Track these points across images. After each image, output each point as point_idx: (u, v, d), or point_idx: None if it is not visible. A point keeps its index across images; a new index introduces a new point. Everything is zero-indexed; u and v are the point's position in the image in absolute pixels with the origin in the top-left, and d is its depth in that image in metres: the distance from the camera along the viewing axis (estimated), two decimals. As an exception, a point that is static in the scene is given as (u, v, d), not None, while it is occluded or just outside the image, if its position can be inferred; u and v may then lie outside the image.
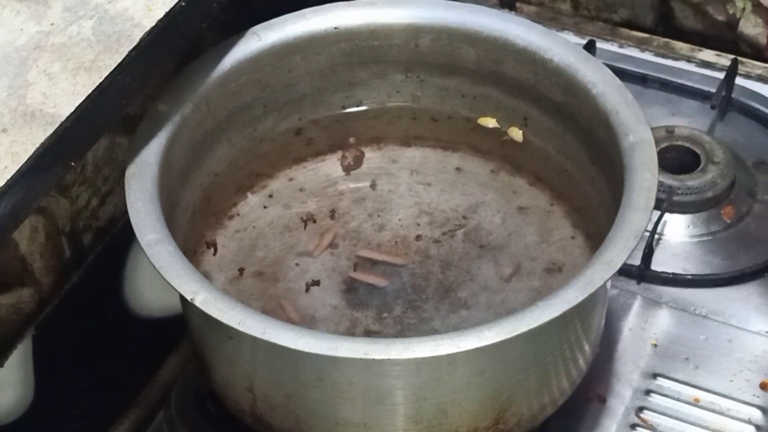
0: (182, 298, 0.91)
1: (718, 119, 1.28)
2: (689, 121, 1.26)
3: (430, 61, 1.10)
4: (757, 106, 1.29)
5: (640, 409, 1.06)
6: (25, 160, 0.81)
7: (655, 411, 1.06)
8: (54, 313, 1.04)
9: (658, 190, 0.95)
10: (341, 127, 1.12)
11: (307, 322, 0.99)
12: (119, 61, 0.88)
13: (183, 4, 0.92)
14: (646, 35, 1.37)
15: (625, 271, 1.13)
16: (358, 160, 1.10)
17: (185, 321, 1.00)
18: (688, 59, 1.34)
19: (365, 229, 1.06)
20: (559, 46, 1.05)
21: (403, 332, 0.98)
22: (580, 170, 1.06)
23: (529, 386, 0.94)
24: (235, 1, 1.01)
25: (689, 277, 1.15)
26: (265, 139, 1.10)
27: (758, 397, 1.06)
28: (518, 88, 1.08)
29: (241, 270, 1.03)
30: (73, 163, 0.86)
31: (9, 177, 0.80)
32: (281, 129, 1.11)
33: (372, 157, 1.11)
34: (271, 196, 1.08)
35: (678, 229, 1.18)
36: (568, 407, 1.00)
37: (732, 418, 1.05)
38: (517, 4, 1.39)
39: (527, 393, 0.95)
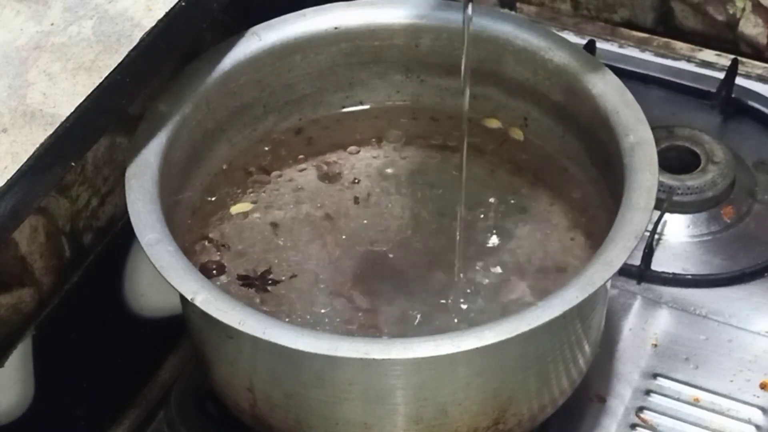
0: (182, 298, 0.91)
1: (718, 119, 1.28)
2: (689, 121, 1.26)
3: (430, 61, 1.10)
4: (757, 106, 1.29)
5: (640, 409, 1.06)
6: (25, 160, 0.81)
7: (655, 411, 1.06)
8: (54, 313, 1.04)
9: (658, 190, 0.95)
10: (341, 127, 1.12)
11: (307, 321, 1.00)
12: (119, 61, 0.88)
13: (183, 4, 0.92)
14: (646, 35, 1.37)
15: (625, 271, 1.13)
16: (333, 172, 1.10)
17: (185, 321, 1.00)
18: (688, 59, 1.34)
19: (365, 229, 1.06)
20: (559, 46, 1.05)
21: (403, 332, 0.98)
22: (581, 170, 1.06)
23: (529, 386, 0.94)
24: (235, 1, 1.01)
25: (689, 277, 1.15)
26: (265, 139, 1.10)
27: (758, 397, 1.06)
28: (518, 88, 1.08)
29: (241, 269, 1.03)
30: (73, 163, 0.86)
31: (9, 177, 0.80)
32: (281, 129, 1.11)
33: (372, 157, 1.11)
34: (271, 196, 1.08)
35: (678, 229, 1.18)
36: (568, 407, 1.00)
37: (732, 418, 1.05)
38: (517, 4, 1.39)
39: (527, 393, 0.95)
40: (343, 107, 1.13)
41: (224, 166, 1.08)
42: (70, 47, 0.89)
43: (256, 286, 1.01)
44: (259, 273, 1.01)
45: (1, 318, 1.00)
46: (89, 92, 0.86)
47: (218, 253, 1.03)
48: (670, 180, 1.18)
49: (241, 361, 0.94)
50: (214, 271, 1.01)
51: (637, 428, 1.05)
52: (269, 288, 1.00)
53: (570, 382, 0.98)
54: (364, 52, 1.10)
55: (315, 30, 1.08)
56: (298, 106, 1.11)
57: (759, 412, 1.05)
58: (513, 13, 1.36)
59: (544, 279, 1.01)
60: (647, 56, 1.34)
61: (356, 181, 1.09)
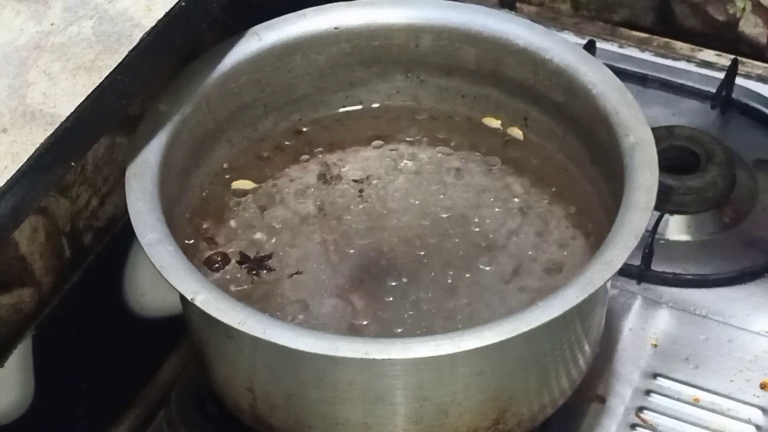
0: (182, 298, 0.91)
1: (718, 119, 1.28)
2: (689, 121, 1.26)
3: (430, 61, 1.10)
4: (757, 106, 1.29)
5: (640, 409, 1.06)
6: (25, 160, 0.81)
7: (655, 411, 1.06)
8: (54, 313, 1.04)
9: (658, 190, 0.95)
10: (341, 127, 1.12)
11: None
12: (119, 61, 0.88)
13: (183, 4, 0.92)
14: (646, 35, 1.37)
15: (625, 271, 1.13)
16: (333, 172, 1.10)
17: (185, 321, 1.00)
18: (688, 59, 1.34)
19: (365, 229, 1.06)
20: (559, 46, 1.05)
21: (403, 332, 0.98)
22: (581, 170, 1.06)
23: (529, 386, 0.94)
24: (235, 1, 1.01)
25: (689, 277, 1.15)
26: (265, 139, 1.10)
27: (758, 397, 1.06)
28: (518, 88, 1.08)
29: (241, 269, 1.03)
30: (73, 163, 0.86)
31: (9, 177, 0.80)
32: (281, 129, 1.11)
33: (372, 157, 1.11)
34: (271, 195, 1.08)
35: (678, 229, 1.18)
36: (568, 407, 1.00)
37: (732, 418, 1.05)
38: (517, 4, 1.39)
39: (527, 393, 0.95)
40: (343, 107, 1.13)
41: (224, 166, 1.08)
42: (70, 47, 0.89)
43: (249, 267, 1.01)
44: (259, 256, 1.02)
45: (1, 318, 1.00)
46: (89, 92, 0.86)
47: (218, 249, 1.03)
48: (670, 180, 1.18)
49: (241, 361, 0.94)
50: (219, 263, 1.01)
51: (637, 428, 1.05)
52: (262, 274, 1.01)
53: (570, 382, 0.98)
54: (364, 52, 1.10)
55: (315, 30, 1.08)
56: (298, 106, 1.11)
57: (759, 412, 1.05)
58: (513, 13, 1.36)
59: (543, 279, 1.01)
60: (647, 56, 1.34)
61: (356, 180, 1.09)
